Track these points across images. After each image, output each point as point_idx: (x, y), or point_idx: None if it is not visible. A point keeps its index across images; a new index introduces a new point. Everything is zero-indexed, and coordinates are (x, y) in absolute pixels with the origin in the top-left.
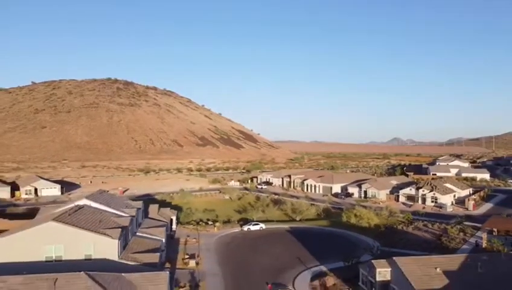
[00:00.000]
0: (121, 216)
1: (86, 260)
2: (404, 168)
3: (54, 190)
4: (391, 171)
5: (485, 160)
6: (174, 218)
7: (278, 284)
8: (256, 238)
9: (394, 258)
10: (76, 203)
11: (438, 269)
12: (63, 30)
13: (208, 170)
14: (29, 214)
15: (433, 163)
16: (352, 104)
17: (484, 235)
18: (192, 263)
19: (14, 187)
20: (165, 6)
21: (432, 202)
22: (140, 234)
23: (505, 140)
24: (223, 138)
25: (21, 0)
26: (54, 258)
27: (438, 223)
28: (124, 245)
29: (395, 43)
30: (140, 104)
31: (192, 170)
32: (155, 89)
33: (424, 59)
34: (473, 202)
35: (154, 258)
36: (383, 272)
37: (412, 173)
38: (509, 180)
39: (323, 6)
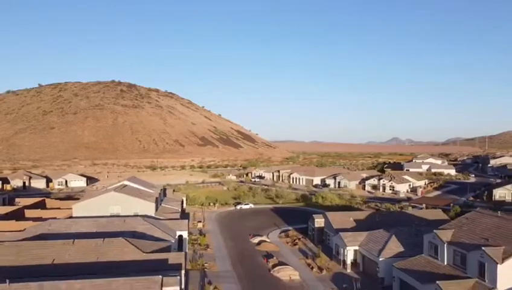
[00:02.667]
0: (151, 192)
1: (134, 215)
2: (385, 165)
3: (81, 182)
4: (373, 167)
5: (465, 158)
6: (184, 199)
7: (256, 235)
8: (246, 213)
9: (326, 212)
10: (122, 183)
11: (351, 218)
12: (65, 32)
13: (209, 167)
14: (69, 198)
15: (410, 161)
16: (351, 104)
17: (410, 208)
18: (199, 225)
19: (48, 179)
20: (162, 9)
21: (390, 189)
22: (164, 205)
23: (500, 139)
24: (222, 138)
25: (22, 2)
26: (115, 213)
27: (386, 203)
28: (156, 208)
29: (396, 44)
30: (143, 106)
31: (194, 167)
32: (157, 91)
33: (424, 59)
34: (422, 189)
35: (176, 215)
36: (319, 221)
37: (390, 169)
38: (471, 175)
39: (322, 7)
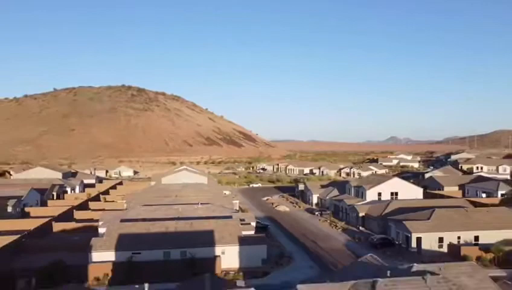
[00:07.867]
0: (200, 172)
1: (195, 183)
2: (367, 160)
3: (130, 172)
4: (356, 162)
5: (439, 155)
6: (216, 180)
7: (265, 196)
8: (256, 189)
9: (305, 181)
10: (183, 167)
11: (318, 184)
12: (71, 37)
13: (219, 162)
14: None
15: (386, 157)
16: (349, 104)
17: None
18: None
19: (106, 171)
20: (161, 12)
21: (358, 175)
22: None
23: (492, 138)
24: (226, 138)
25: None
26: (186, 182)
27: None
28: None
29: (394, 44)
30: (153, 109)
31: (207, 163)
32: (164, 94)
33: (422, 58)
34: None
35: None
36: (301, 186)
37: (368, 163)
38: (430, 167)
39: (320, 8)
